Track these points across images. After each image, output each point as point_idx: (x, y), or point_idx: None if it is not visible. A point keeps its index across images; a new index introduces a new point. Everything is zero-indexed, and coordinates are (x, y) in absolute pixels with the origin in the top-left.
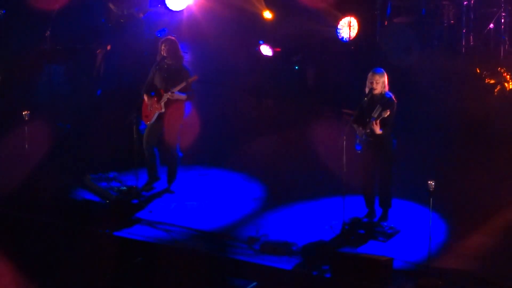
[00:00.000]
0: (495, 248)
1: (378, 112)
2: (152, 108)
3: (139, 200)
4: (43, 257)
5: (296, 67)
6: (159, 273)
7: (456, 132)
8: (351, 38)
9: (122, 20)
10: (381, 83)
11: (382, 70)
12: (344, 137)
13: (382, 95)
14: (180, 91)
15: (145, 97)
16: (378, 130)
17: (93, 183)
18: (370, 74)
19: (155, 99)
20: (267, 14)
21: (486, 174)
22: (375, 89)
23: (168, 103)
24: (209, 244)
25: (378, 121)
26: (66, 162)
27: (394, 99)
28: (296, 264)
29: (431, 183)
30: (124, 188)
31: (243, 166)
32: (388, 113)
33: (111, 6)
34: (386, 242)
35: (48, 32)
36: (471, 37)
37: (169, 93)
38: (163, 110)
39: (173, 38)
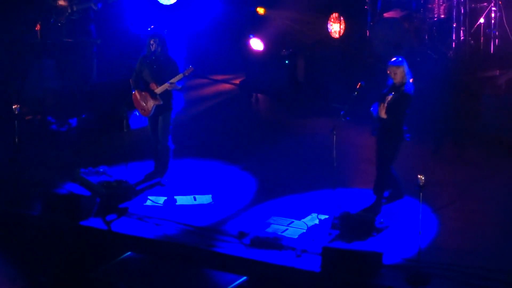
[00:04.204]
0: (485, 242)
1: (390, 99)
2: (148, 102)
3: (129, 194)
4: (32, 251)
5: (287, 61)
6: (149, 267)
7: (446, 127)
8: (341, 33)
9: (73, 18)
10: (399, 72)
11: (399, 60)
12: (335, 131)
13: (402, 85)
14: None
15: (136, 92)
16: (383, 113)
17: (83, 177)
18: (388, 67)
19: (148, 92)
20: (260, 10)
21: (476, 169)
22: (394, 79)
23: (160, 95)
24: (199, 239)
25: (384, 105)
26: (56, 156)
27: (410, 93)
28: (286, 258)
29: (421, 177)
30: (114, 182)
31: (233, 160)
32: (390, 97)
33: (62, 3)
34: (376, 236)
35: (39, 26)
36: (462, 31)
37: (168, 84)
38: (161, 102)
39: (162, 32)
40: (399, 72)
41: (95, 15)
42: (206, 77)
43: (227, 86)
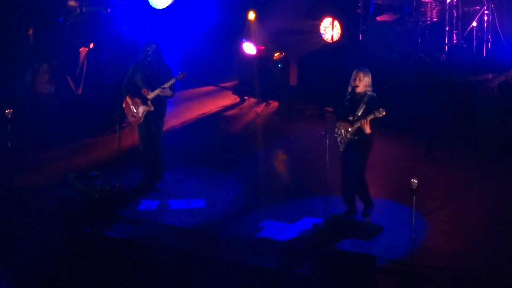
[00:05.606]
0: (477, 246)
1: (362, 111)
2: (139, 108)
3: (122, 198)
4: (25, 255)
5: (279, 65)
6: (142, 271)
7: (438, 130)
8: (333, 37)
9: (81, 19)
10: (364, 81)
11: (367, 69)
12: (327, 135)
13: (365, 94)
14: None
15: (127, 97)
16: (368, 130)
17: (76, 181)
18: (354, 71)
19: (139, 98)
20: (251, 14)
21: (468, 172)
22: (357, 87)
23: (152, 101)
24: (193, 242)
25: (368, 121)
26: (49, 160)
27: (375, 94)
28: (279, 262)
29: (414, 181)
30: (107, 186)
31: (226, 164)
32: (384, 113)
33: (72, 3)
34: (369, 240)
35: (31, 30)
36: (454, 35)
37: (159, 89)
38: (152, 108)
39: (157, 39)
40: (364, 81)
41: (101, 19)
42: (199, 81)
43: (220, 90)
